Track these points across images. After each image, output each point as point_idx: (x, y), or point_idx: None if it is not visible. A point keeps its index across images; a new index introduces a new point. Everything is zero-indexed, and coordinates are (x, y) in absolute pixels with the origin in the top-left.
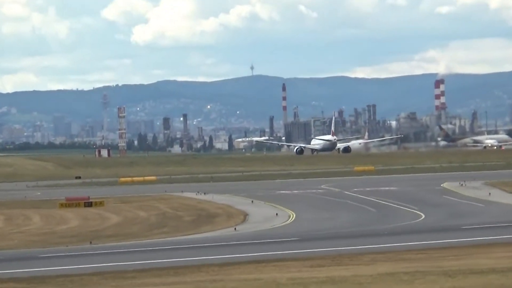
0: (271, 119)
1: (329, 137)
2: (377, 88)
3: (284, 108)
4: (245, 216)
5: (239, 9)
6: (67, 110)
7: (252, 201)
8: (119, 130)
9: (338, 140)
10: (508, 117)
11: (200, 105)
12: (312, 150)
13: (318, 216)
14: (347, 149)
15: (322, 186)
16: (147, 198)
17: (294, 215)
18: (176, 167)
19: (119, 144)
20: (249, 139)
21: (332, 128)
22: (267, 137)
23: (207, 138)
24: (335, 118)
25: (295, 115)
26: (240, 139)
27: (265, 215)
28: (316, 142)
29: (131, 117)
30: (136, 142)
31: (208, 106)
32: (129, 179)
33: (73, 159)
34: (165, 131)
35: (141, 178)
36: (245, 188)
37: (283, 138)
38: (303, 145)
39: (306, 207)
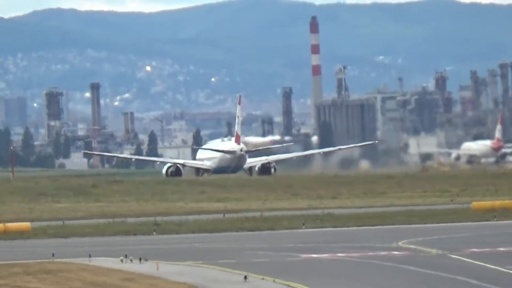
0: (286, 95)
1: (231, 145)
2: None
3: (316, 70)
4: None
5: None
6: None
7: (245, 277)
8: None
9: (248, 152)
10: None
11: (128, 64)
12: (198, 169)
13: None
14: (267, 169)
15: (399, 243)
16: (14, 270)
17: None
18: (76, 202)
19: None
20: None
21: (236, 128)
22: (277, 137)
23: (144, 138)
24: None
25: (342, 85)
26: (218, 140)
27: None
28: (206, 155)
29: None
30: None
31: (147, 68)
32: None
33: None
34: (52, 122)
35: None
36: (229, 247)
37: (314, 137)
38: (181, 162)
39: None
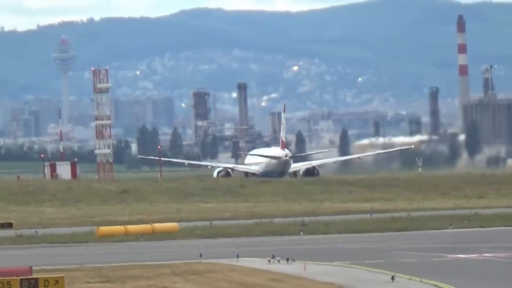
0: (433, 95)
1: (277, 151)
2: None
3: (463, 69)
4: None
5: None
6: None
7: (392, 277)
8: (97, 119)
9: (292, 157)
10: None
11: (276, 64)
12: (247, 173)
13: None
14: (311, 171)
15: None
16: (161, 270)
17: None
18: (224, 202)
19: (98, 152)
20: (383, 140)
21: (282, 135)
22: (425, 137)
23: (291, 138)
24: None
25: (488, 85)
26: (366, 140)
27: None
28: (254, 161)
29: (123, 91)
30: (134, 147)
31: (295, 68)
32: (119, 228)
33: None
34: (199, 122)
35: (146, 227)
36: (377, 247)
37: (461, 137)
38: (231, 166)
39: None
